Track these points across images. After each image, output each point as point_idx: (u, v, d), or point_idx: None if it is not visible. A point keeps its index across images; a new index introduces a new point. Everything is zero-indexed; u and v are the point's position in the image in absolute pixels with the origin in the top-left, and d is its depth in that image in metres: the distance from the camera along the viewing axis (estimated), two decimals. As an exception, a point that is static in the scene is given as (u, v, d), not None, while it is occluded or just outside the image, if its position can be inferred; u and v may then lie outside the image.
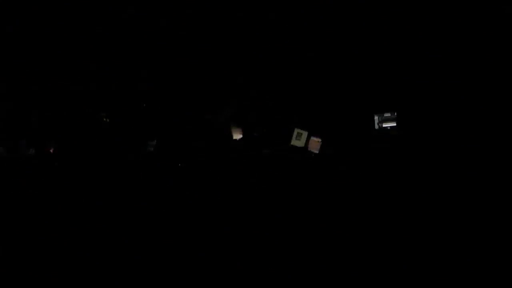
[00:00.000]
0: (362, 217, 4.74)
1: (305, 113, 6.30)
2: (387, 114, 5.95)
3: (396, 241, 4.33)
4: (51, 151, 5.72)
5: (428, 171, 5.03)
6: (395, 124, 5.86)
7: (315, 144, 5.85)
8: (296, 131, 6.03)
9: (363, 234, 4.48)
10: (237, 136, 6.27)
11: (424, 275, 3.67)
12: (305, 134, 5.99)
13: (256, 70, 6.36)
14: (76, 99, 5.99)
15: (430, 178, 4.95)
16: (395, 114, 5.88)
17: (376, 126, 5.89)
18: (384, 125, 5.92)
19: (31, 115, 5.87)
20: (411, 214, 4.66)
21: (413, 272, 3.75)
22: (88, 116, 5.99)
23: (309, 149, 5.88)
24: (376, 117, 5.97)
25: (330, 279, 3.85)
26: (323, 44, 6.14)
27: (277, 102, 6.36)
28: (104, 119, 5.96)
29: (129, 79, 6.19)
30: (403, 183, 5.02)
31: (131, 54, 6.03)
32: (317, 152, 5.81)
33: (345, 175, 5.37)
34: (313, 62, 6.19)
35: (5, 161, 5.64)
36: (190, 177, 5.85)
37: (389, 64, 5.91)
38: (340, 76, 6.15)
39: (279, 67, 6.30)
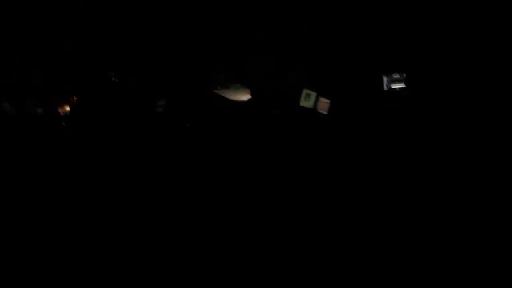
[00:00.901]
0: (370, 185, 4.73)
1: (314, 73, 6.26)
2: (396, 75, 5.93)
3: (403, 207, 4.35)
4: (60, 110, 5.67)
5: (439, 134, 5.05)
6: (404, 86, 5.86)
7: (324, 105, 5.83)
8: (304, 91, 6.00)
9: (372, 204, 4.47)
10: (246, 96, 6.26)
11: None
12: (314, 94, 5.96)
13: (264, 30, 6.28)
14: (84, 58, 5.90)
15: (440, 143, 4.96)
16: (404, 75, 5.87)
17: (385, 87, 5.88)
18: (393, 86, 5.91)
19: (40, 74, 5.79)
20: (419, 179, 4.68)
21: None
22: (97, 75, 5.92)
23: (318, 110, 5.86)
24: (384, 78, 5.95)
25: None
26: (332, 3, 6.06)
27: (286, 63, 6.31)
28: (113, 79, 5.89)
29: (139, 39, 6.11)
30: (412, 148, 5.03)
31: (141, 14, 5.93)
32: (326, 113, 5.80)
33: (354, 138, 5.39)
34: (322, 21, 6.11)
35: (12, 119, 5.59)
36: (197, 138, 5.84)
37: (399, 23, 5.85)
38: (349, 36, 6.09)
39: (287, 26, 6.22)
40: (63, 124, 5.76)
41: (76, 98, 5.80)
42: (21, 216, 4.42)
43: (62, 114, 5.69)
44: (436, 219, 4.02)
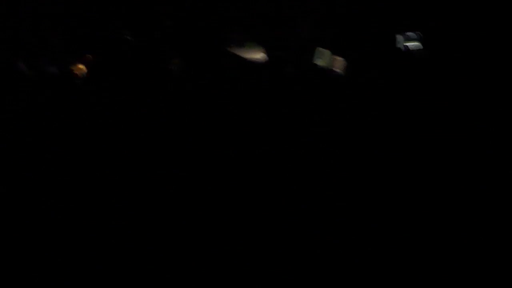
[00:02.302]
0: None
1: (326, 30, 6.22)
2: (410, 33, 5.92)
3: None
4: (76, 71, 5.62)
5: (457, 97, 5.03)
6: (419, 44, 5.87)
7: (340, 64, 5.84)
8: (317, 49, 5.99)
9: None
10: (260, 55, 6.22)
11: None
12: (327, 53, 5.96)
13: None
14: (100, 17, 5.80)
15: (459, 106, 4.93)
16: (420, 33, 5.87)
17: (401, 46, 5.89)
18: (407, 44, 5.92)
19: (55, 33, 5.70)
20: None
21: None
22: (111, 34, 5.83)
23: (334, 69, 5.87)
24: (398, 36, 5.95)
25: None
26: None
27: (298, 19, 6.25)
28: (127, 37, 5.81)
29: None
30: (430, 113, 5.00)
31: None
32: (342, 72, 5.81)
33: (370, 100, 5.37)
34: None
35: (28, 80, 5.54)
36: (212, 98, 5.82)
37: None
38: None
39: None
40: (78, 83, 5.73)
41: (91, 58, 5.74)
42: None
43: (78, 75, 5.65)
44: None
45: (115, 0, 5.85)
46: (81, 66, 5.65)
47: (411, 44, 5.86)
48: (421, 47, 5.78)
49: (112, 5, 5.82)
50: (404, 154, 4.67)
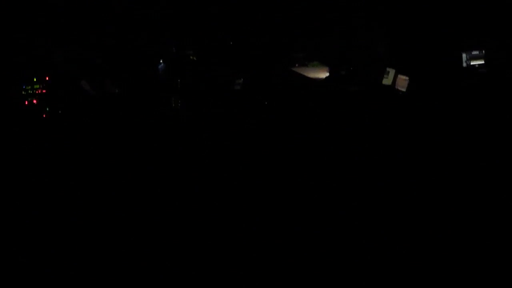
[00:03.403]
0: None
1: (392, 50, 6.36)
2: (475, 52, 5.99)
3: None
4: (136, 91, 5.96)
5: None
6: (483, 62, 5.92)
7: (402, 82, 5.94)
8: (386, 69, 6.10)
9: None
10: (324, 74, 6.44)
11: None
12: (392, 71, 6.08)
13: (340, 7, 6.39)
14: (162, 38, 6.18)
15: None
16: (483, 51, 5.93)
17: (464, 64, 5.96)
18: (472, 63, 5.99)
19: (117, 55, 6.08)
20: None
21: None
22: (174, 54, 6.18)
23: (396, 87, 5.99)
24: (464, 55, 6.02)
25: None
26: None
27: (363, 40, 6.42)
28: (191, 57, 6.16)
29: (216, 16, 6.32)
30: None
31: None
32: (405, 90, 5.92)
33: (433, 117, 5.41)
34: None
35: (91, 98, 5.89)
36: (274, 115, 6.01)
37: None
38: (427, 11, 6.12)
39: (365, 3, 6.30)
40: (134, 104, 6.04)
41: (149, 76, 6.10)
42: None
43: (137, 94, 5.99)
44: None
45: (178, 23, 6.18)
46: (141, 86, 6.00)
47: (476, 63, 5.92)
48: (485, 64, 5.83)
49: (175, 26, 6.16)
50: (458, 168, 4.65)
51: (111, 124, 5.76)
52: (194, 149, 5.40)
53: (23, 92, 5.82)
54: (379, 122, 5.57)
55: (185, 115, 6.11)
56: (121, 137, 5.61)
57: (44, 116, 5.89)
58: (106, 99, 6.05)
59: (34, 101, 5.85)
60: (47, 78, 5.86)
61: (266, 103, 6.29)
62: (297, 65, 6.48)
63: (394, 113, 5.73)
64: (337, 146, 5.27)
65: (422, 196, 4.07)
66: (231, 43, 6.49)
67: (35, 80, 5.84)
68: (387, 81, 6.06)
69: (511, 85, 5.49)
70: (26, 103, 5.84)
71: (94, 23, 6.27)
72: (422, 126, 5.37)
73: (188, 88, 6.25)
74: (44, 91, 5.86)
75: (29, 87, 5.83)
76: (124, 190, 4.49)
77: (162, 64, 6.29)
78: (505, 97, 5.40)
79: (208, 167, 4.93)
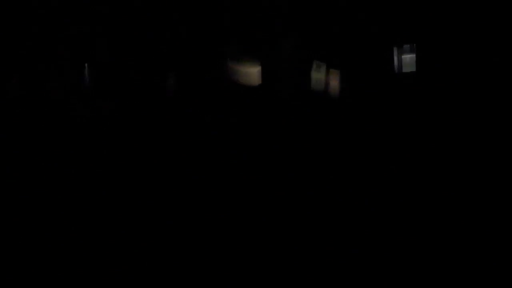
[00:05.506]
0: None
1: (322, 43, 6.27)
2: (407, 46, 5.97)
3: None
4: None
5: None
6: (413, 56, 5.91)
7: (335, 75, 5.90)
8: (315, 63, 6.04)
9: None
10: (255, 68, 6.28)
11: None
12: (323, 65, 6.02)
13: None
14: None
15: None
16: (414, 45, 5.92)
17: (395, 59, 5.94)
18: (404, 56, 5.97)
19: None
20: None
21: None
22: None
23: (329, 81, 5.93)
24: (395, 49, 6.00)
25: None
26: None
27: (292, 37, 6.30)
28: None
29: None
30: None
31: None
32: (338, 84, 5.87)
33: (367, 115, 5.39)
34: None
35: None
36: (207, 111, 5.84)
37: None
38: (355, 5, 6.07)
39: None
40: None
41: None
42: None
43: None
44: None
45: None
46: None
47: (406, 56, 5.90)
48: (415, 58, 5.81)
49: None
50: (401, 159, 4.68)
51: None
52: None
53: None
54: (314, 116, 5.53)
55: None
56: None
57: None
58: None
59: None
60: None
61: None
62: (228, 58, 6.26)
63: (329, 106, 5.71)
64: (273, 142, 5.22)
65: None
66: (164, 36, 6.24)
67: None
68: (318, 74, 5.99)
69: (442, 80, 5.53)
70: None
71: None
72: (356, 118, 5.37)
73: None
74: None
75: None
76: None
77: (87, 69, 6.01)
78: (437, 93, 5.43)
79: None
